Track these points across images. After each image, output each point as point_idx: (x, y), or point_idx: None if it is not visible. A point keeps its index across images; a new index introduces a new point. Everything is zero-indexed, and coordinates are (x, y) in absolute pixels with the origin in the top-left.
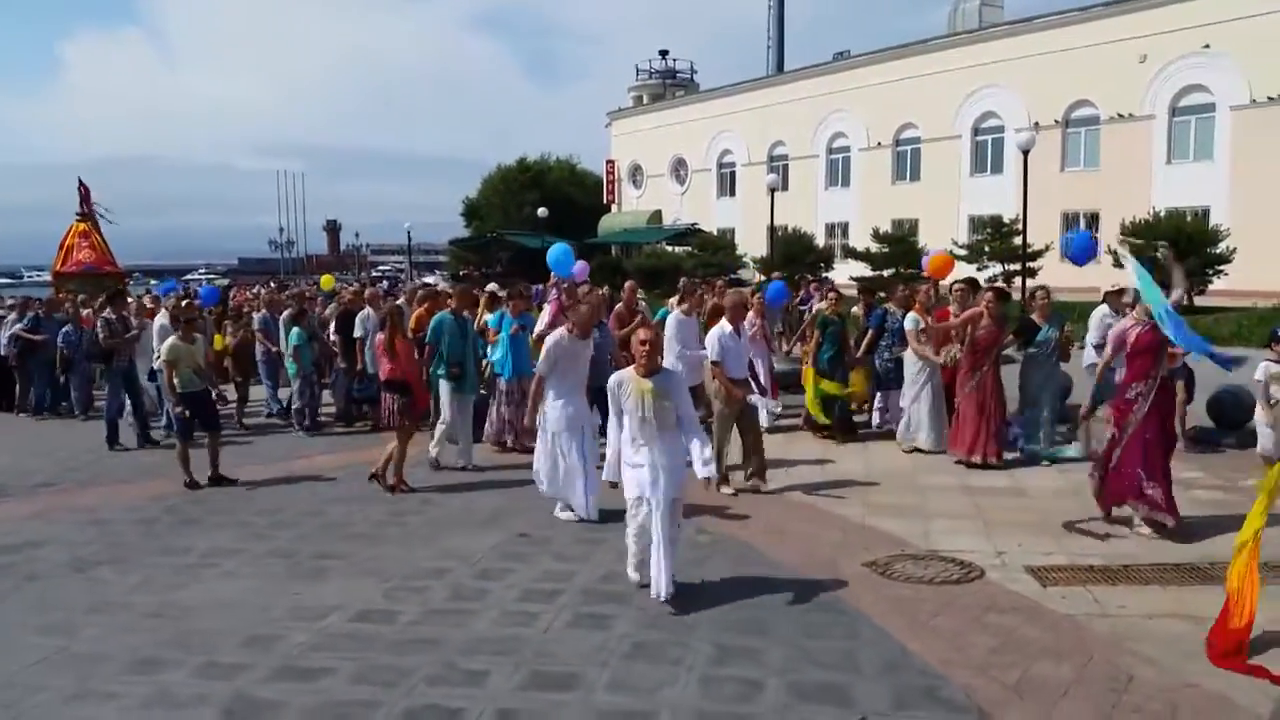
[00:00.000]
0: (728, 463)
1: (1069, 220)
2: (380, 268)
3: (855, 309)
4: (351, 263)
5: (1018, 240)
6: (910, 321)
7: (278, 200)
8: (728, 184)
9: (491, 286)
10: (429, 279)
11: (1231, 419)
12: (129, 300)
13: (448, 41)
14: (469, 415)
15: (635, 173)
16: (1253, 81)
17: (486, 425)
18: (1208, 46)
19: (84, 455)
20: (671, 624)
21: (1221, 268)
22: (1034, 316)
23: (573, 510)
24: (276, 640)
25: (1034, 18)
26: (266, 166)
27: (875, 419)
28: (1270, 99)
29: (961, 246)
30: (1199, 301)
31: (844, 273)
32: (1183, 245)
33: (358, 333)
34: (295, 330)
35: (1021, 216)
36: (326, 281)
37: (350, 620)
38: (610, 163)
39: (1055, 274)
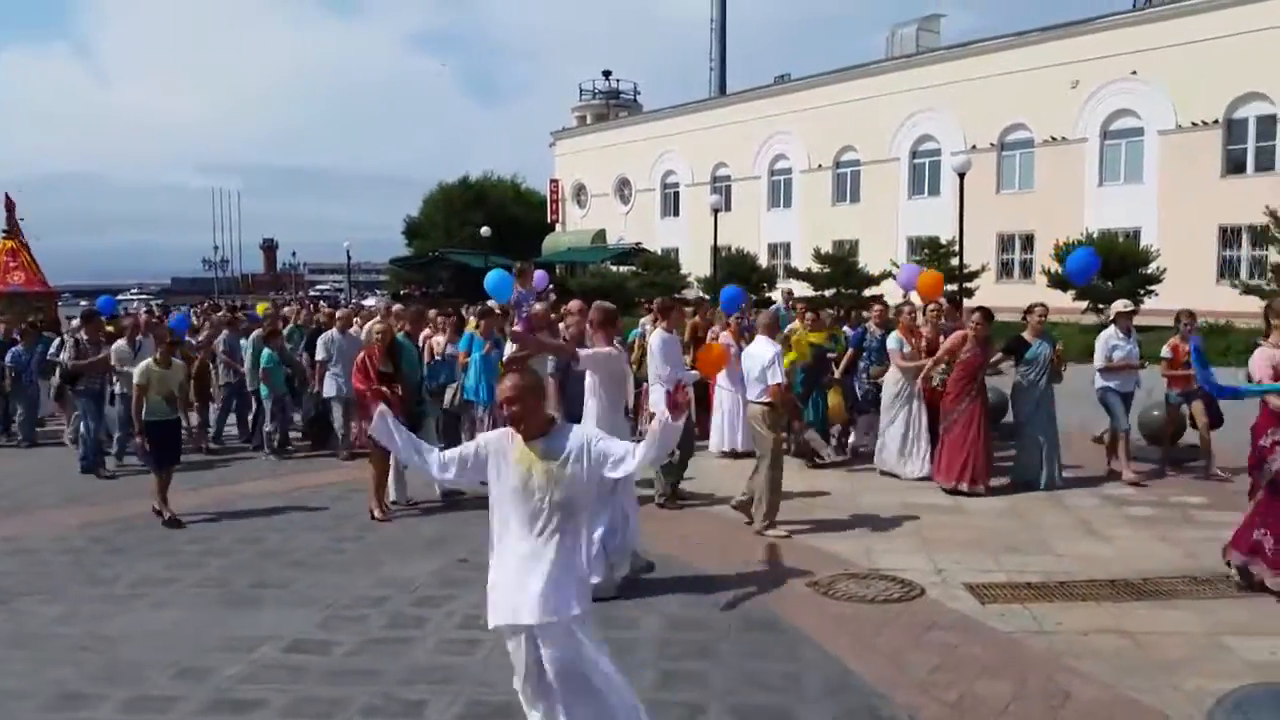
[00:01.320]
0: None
1: (1004, 241)
2: (318, 287)
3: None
4: (288, 282)
5: (955, 261)
6: (894, 342)
7: (212, 218)
8: (671, 204)
9: (491, 303)
10: (370, 300)
11: None
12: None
13: (389, 59)
14: None
15: (579, 192)
16: (1178, 107)
17: None
18: (1135, 73)
19: (8, 482)
20: (613, 648)
21: (1152, 288)
22: (1025, 334)
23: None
24: (208, 672)
25: (970, 43)
26: (201, 184)
27: (850, 441)
28: (1194, 124)
29: (899, 266)
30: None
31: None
32: (1114, 265)
33: (319, 355)
34: (266, 352)
35: (958, 237)
36: (263, 309)
37: (285, 650)
38: (554, 182)
39: (992, 294)
